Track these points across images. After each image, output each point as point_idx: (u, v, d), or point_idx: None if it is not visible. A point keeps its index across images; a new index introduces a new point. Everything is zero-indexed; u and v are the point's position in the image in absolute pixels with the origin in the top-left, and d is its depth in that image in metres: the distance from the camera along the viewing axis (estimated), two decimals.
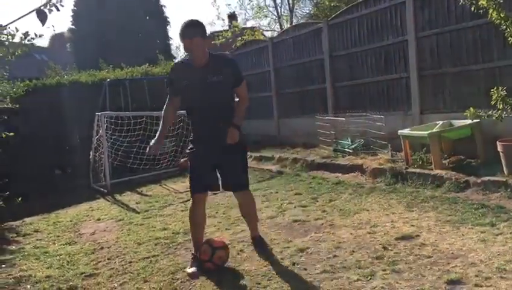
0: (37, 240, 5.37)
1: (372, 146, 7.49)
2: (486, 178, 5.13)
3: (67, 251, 4.74)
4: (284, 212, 5.32)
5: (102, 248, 4.74)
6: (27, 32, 5.45)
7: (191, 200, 3.93)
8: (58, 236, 5.45)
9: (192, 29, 3.66)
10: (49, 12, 2.09)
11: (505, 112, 5.10)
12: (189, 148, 3.95)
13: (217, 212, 5.67)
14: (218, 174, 3.90)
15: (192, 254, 3.92)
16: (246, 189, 4.01)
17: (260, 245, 4.08)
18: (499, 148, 5.35)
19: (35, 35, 5.74)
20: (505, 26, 4.70)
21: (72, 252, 4.70)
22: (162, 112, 3.93)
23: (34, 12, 2.02)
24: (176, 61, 3.93)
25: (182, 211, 5.98)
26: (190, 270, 3.72)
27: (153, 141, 3.83)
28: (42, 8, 2.05)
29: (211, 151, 3.77)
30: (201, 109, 3.77)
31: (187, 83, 3.73)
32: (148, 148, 3.81)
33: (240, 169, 3.94)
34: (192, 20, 3.72)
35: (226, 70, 3.77)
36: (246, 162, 4.07)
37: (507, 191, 4.82)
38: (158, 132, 3.87)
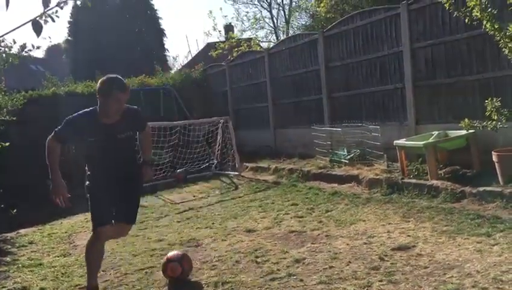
0: (32, 251, 5.33)
1: (368, 156, 7.50)
2: (482, 188, 5.14)
3: (62, 263, 4.70)
4: (280, 223, 5.30)
5: None
6: (25, 44, 5.47)
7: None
8: (53, 248, 5.42)
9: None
10: (45, 23, 2.09)
11: (499, 123, 5.12)
12: (87, 184, 3.80)
13: (213, 223, 5.65)
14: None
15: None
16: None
17: None
18: (494, 159, 5.37)
19: (33, 47, 5.77)
20: (498, 37, 4.73)
21: (66, 263, 4.67)
22: (47, 154, 3.64)
23: (30, 23, 2.02)
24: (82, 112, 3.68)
25: (178, 222, 5.96)
26: None
27: (52, 187, 3.57)
28: (38, 19, 2.05)
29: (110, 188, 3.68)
30: (105, 159, 3.65)
31: (94, 139, 3.55)
32: (52, 193, 3.56)
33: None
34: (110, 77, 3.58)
35: (135, 124, 3.77)
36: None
37: (503, 201, 4.83)
38: (52, 173, 3.61)
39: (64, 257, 4.96)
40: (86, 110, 3.64)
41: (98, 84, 3.53)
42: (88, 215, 7.06)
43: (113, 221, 3.73)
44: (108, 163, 3.64)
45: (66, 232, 6.12)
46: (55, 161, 3.61)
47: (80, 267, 4.50)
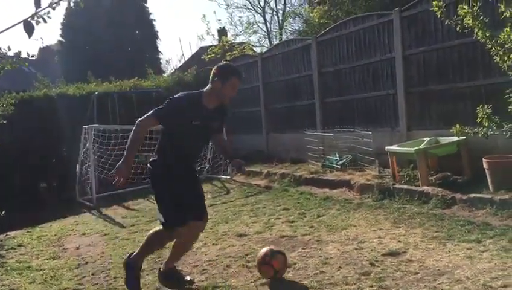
0: (21, 254, 5.28)
1: (360, 162, 7.52)
2: (472, 195, 5.18)
3: (51, 266, 4.66)
4: (271, 227, 5.29)
5: (86, 263, 4.67)
6: (19, 51, 5.45)
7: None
8: (42, 250, 5.37)
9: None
10: (37, 24, 2.07)
11: (490, 130, 5.16)
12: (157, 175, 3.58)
13: None
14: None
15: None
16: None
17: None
18: (485, 165, 5.41)
19: (28, 55, 5.73)
20: (490, 45, 4.77)
21: (55, 267, 4.62)
22: (135, 132, 3.49)
23: (21, 24, 2.00)
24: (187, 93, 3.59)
25: None
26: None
27: (120, 163, 3.36)
28: (29, 19, 2.03)
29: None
30: (191, 147, 3.63)
31: (198, 123, 3.45)
32: (116, 171, 3.31)
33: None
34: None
35: (222, 118, 3.73)
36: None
37: (493, 208, 4.86)
38: (129, 152, 3.43)
39: (54, 259, 4.92)
40: (191, 92, 3.64)
41: (216, 68, 3.54)
42: (78, 218, 7.06)
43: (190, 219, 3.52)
44: (190, 152, 3.67)
45: (55, 235, 6.07)
46: (138, 141, 3.52)
47: (68, 270, 4.47)
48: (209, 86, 3.53)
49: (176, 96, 3.52)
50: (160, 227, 3.58)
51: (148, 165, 3.64)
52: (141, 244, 3.73)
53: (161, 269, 3.80)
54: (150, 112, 3.50)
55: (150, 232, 3.74)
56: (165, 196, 3.52)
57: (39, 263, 4.84)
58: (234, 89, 3.53)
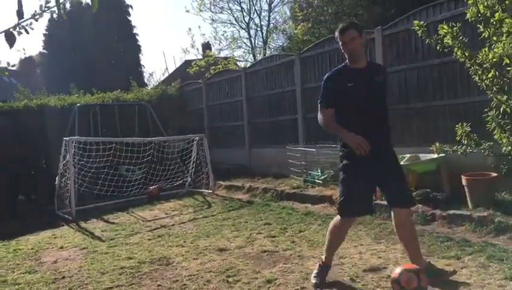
0: None
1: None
2: (452, 211, 5.24)
3: (27, 280, 4.55)
4: (253, 242, 5.27)
5: (63, 277, 4.57)
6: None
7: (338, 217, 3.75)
8: (18, 264, 5.24)
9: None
10: (19, 35, 2.05)
11: (469, 147, 5.24)
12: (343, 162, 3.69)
13: (184, 241, 5.57)
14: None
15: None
16: (411, 205, 3.76)
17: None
18: (464, 183, 5.49)
19: (8, 64, 5.67)
20: (469, 65, 4.87)
21: (31, 281, 4.52)
22: (322, 120, 3.81)
23: (3, 34, 1.98)
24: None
25: (149, 239, 5.86)
26: (314, 280, 3.77)
27: (353, 138, 3.44)
28: (11, 30, 2.01)
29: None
30: (365, 115, 3.61)
31: (352, 85, 3.58)
32: (354, 147, 3.41)
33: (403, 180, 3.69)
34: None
35: (382, 77, 3.76)
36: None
37: (471, 224, 4.93)
38: (340, 133, 3.64)
39: (30, 273, 4.80)
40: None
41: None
42: (56, 231, 6.93)
43: (367, 209, 3.69)
44: (367, 121, 3.55)
45: (32, 249, 5.94)
46: (332, 124, 3.70)
47: (45, 285, 4.37)
48: None
49: (325, 76, 3.83)
50: None
51: None
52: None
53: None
54: (319, 108, 3.81)
55: None
56: (344, 181, 3.71)
57: (15, 277, 4.72)
58: (353, 41, 3.56)
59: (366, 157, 3.41)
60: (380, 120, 3.66)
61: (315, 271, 3.84)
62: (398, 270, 3.36)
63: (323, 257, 3.89)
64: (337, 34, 3.64)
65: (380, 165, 3.53)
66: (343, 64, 3.72)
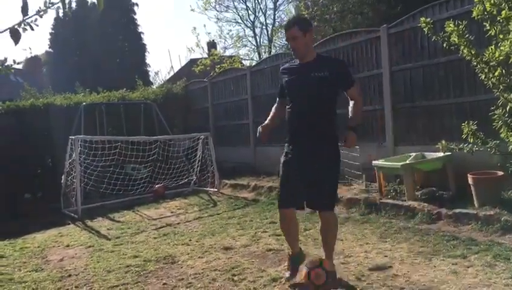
0: (2, 266, 5.17)
1: (347, 176, 7.55)
2: (458, 210, 5.22)
3: (33, 278, 4.57)
4: (258, 240, 5.27)
5: (70, 276, 4.59)
6: (5, 58, 5.41)
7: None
8: (25, 262, 5.27)
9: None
10: (23, 32, 2.06)
11: (475, 146, 5.22)
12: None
13: (190, 240, 5.58)
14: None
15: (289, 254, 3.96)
16: (331, 210, 3.78)
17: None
18: (470, 181, 5.46)
19: (14, 62, 5.70)
20: (475, 63, 4.84)
21: (38, 279, 4.54)
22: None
23: (8, 31, 1.98)
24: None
25: (155, 238, 5.87)
26: (287, 274, 3.81)
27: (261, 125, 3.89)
28: (16, 27, 2.02)
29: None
30: (299, 109, 3.76)
31: (289, 78, 3.77)
32: (258, 131, 3.88)
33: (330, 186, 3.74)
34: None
35: (334, 73, 3.71)
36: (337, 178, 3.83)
37: (477, 223, 4.90)
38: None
39: (36, 272, 4.83)
40: None
41: None
42: (62, 230, 6.97)
43: (300, 204, 3.71)
44: (301, 116, 3.66)
45: (38, 247, 5.97)
46: (270, 114, 4.06)
47: (51, 283, 4.39)
48: None
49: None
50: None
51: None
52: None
53: None
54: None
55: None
56: (281, 174, 3.81)
57: (21, 275, 4.75)
58: (294, 40, 3.63)
59: (301, 154, 3.61)
60: (315, 117, 3.63)
61: (286, 264, 3.94)
62: (304, 270, 3.49)
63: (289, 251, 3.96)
64: (284, 28, 3.78)
65: (308, 164, 3.61)
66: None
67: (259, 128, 3.86)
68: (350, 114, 3.72)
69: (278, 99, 3.99)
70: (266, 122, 3.89)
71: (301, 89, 3.64)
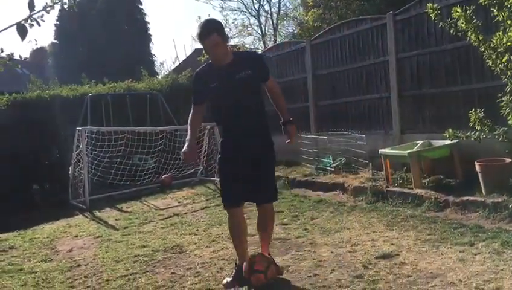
0: (12, 256, 5.23)
1: (354, 165, 7.54)
2: (465, 198, 5.20)
3: (43, 268, 4.63)
4: None
5: (79, 266, 4.64)
6: (12, 53, 5.44)
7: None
8: (34, 253, 5.33)
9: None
10: (30, 27, 2.06)
11: (482, 133, 5.19)
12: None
13: (197, 230, 5.62)
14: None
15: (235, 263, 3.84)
16: (272, 202, 3.86)
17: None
18: (477, 169, 5.44)
19: (20, 57, 5.72)
20: (483, 49, 4.80)
21: (47, 269, 4.59)
22: (189, 120, 3.69)
23: (14, 26, 1.99)
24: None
25: (162, 228, 5.91)
26: (225, 281, 3.70)
27: (185, 148, 3.49)
28: (23, 22, 2.02)
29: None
30: (232, 111, 3.64)
31: (215, 85, 3.55)
32: (182, 156, 3.49)
33: (271, 179, 3.84)
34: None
35: (254, 67, 3.66)
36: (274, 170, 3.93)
37: (485, 211, 4.89)
38: (188, 139, 3.57)
39: (46, 262, 4.88)
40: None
41: None
42: (70, 220, 7.02)
43: (244, 200, 3.75)
44: (236, 118, 3.61)
45: (47, 237, 6.03)
46: (190, 122, 3.67)
47: (61, 273, 4.44)
48: None
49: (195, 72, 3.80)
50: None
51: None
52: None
53: None
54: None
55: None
56: (220, 175, 3.84)
57: (31, 265, 4.80)
58: (215, 47, 3.44)
59: (238, 150, 3.60)
60: (248, 116, 3.62)
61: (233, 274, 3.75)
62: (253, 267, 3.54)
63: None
64: (196, 36, 3.46)
65: (247, 159, 3.62)
66: (209, 62, 3.65)
67: (185, 151, 3.47)
68: (279, 109, 4.00)
69: (193, 106, 3.70)
70: (188, 142, 3.52)
71: (229, 94, 3.53)
